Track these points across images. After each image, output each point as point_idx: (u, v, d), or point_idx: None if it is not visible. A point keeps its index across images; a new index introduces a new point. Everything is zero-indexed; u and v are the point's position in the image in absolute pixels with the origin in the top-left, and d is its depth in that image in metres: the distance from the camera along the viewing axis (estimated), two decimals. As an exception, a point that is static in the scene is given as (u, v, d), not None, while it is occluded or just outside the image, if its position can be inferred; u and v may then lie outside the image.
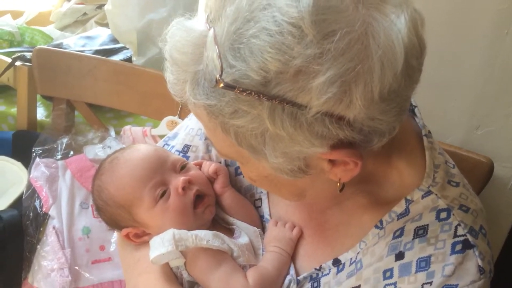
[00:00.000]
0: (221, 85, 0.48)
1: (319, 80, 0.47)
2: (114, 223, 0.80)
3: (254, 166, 0.61)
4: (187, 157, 0.85)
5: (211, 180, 0.81)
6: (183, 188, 0.74)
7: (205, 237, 0.69)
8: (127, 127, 1.34)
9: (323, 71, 0.47)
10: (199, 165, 0.82)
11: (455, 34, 1.03)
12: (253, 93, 0.48)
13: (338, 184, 0.61)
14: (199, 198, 0.76)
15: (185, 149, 0.86)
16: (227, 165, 0.83)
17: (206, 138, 0.84)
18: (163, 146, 0.88)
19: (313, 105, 0.48)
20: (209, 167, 0.80)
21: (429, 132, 0.70)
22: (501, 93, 1.05)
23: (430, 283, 0.60)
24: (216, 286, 0.69)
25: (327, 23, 0.47)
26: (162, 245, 0.68)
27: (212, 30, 0.49)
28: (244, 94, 0.48)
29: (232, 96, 0.50)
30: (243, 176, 0.82)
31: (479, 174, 0.96)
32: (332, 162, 0.56)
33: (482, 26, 1.00)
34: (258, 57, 0.47)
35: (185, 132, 0.87)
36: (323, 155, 0.54)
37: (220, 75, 0.48)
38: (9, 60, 1.40)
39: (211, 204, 0.77)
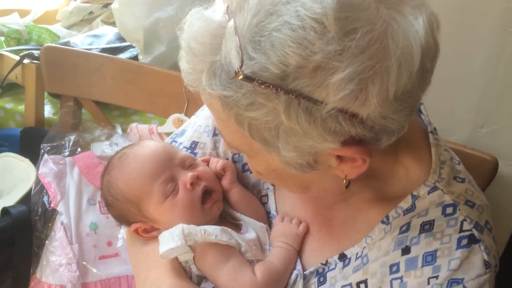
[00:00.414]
0: (241, 76, 0.48)
1: (338, 77, 0.47)
2: (123, 219, 0.81)
3: (263, 159, 0.62)
4: (195, 154, 0.86)
5: (218, 176, 0.81)
6: (191, 184, 0.75)
7: (214, 232, 0.70)
8: (133, 125, 1.35)
9: (342, 68, 0.47)
10: (207, 162, 0.83)
11: (460, 32, 1.03)
12: (271, 86, 0.48)
13: (344, 180, 0.62)
14: (207, 193, 0.77)
15: (193, 145, 0.86)
16: (234, 161, 0.84)
17: (214, 135, 0.85)
18: (171, 143, 0.89)
19: (330, 101, 0.49)
20: (216, 164, 0.81)
21: (435, 129, 0.70)
22: (506, 92, 1.05)
23: (436, 277, 0.60)
24: (225, 280, 0.70)
25: (349, 21, 0.47)
26: (171, 239, 0.69)
27: (232, 21, 0.50)
28: (262, 86, 0.49)
29: (250, 88, 0.50)
30: (250, 173, 0.83)
31: (484, 172, 0.96)
32: (340, 158, 0.57)
33: (487, 24, 1.01)
34: (279, 51, 0.48)
35: (193, 129, 0.88)
36: (333, 151, 0.55)
37: (240, 67, 0.48)
38: (17, 57, 1.41)
39: (219, 200, 0.78)
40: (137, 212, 0.78)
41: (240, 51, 0.48)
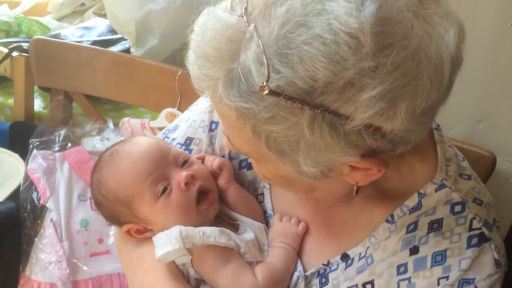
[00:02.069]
0: (266, 91, 0.45)
1: (369, 94, 0.45)
2: (114, 219, 0.77)
3: (273, 167, 0.59)
4: (190, 150, 0.83)
5: (214, 175, 0.78)
6: (186, 184, 0.72)
7: (212, 233, 0.67)
8: (125, 119, 1.33)
9: (374, 85, 0.45)
10: (202, 159, 0.80)
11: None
12: (297, 101, 0.46)
13: (354, 187, 0.60)
14: (202, 194, 0.74)
15: (188, 142, 0.83)
16: (230, 158, 0.81)
17: (209, 131, 0.82)
18: (163, 139, 0.86)
19: (357, 117, 0.46)
20: (213, 162, 0.78)
21: (438, 125, 0.69)
22: (505, 87, 1.04)
23: (447, 277, 0.59)
24: (225, 284, 0.67)
25: (384, 35, 0.45)
26: (168, 242, 0.66)
27: (252, 26, 0.46)
28: (288, 102, 0.46)
29: (272, 101, 0.47)
30: (247, 170, 0.80)
31: (482, 168, 0.95)
32: (353, 167, 0.55)
33: (486, 18, 0.99)
34: (309, 66, 0.45)
35: (187, 125, 0.85)
36: (352, 163, 0.53)
37: (267, 81, 0.45)
38: (6, 50, 1.38)
39: (215, 201, 0.75)
40: (129, 213, 0.74)
41: (266, 63, 0.45)
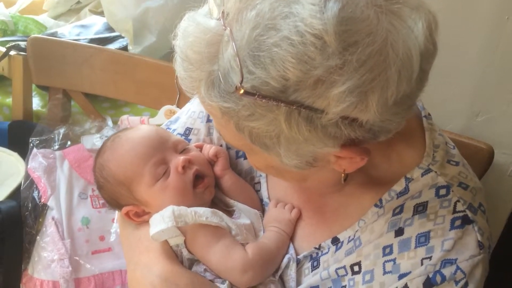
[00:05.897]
0: (241, 91, 0.50)
1: (338, 90, 0.49)
2: (114, 202, 0.82)
3: (262, 158, 0.64)
4: (189, 140, 0.87)
5: (211, 162, 0.83)
6: (183, 167, 0.76)
7: (204, 213, 0.72)
8: (124, 117, 1.35)
9: (343, 81, 0.49)
10: (200, 148, 0.85)
11: (455, 20, 1.03)
12: (272, 99, 0.50)
13: (342, 174, 0.64)
14: (199, 178, 0.78)
15: (187, 132, 0.88)
16: (227, 148, 0.86)
17: (207, 121, 0.87)
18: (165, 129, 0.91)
19: (331, 111, 0.50)
20: (209, 150, 0.83)
21: (429, 114, 0.72)
22: (502, 80, 1.06)
23: (430, 257, 0.62)
24: (217, 259, 0.72)
25: (349, 34, 0.48)
26: (162, 221, 0.70)
27: (228, 30, 0.51)
28: (263, 100, 0.50)
29: (249, 100, 0.52)
30: (244, 159, 0.85)
31: (479, 161, 0.98)
32: (337, 156, 0.58)
33: (483, 12, 1.01)
34: (279, 66, 0.49)
35: (187, 116, 0.90)
36: (334, 153, 0.57)
37: (241, 82, 0.49)
38: (3, 49, 1.40)
39: (210, 185, 0.80)
40: (128, 195, 0.79)
41: (239, 66, 0.49)
